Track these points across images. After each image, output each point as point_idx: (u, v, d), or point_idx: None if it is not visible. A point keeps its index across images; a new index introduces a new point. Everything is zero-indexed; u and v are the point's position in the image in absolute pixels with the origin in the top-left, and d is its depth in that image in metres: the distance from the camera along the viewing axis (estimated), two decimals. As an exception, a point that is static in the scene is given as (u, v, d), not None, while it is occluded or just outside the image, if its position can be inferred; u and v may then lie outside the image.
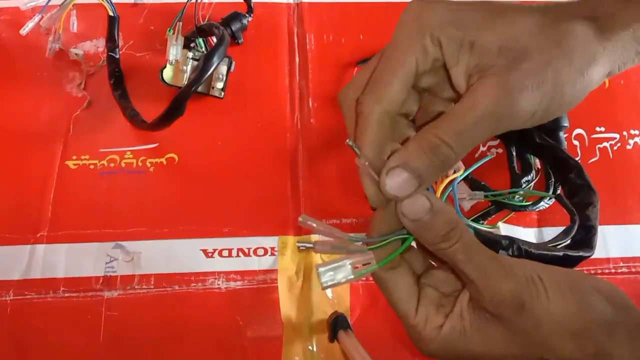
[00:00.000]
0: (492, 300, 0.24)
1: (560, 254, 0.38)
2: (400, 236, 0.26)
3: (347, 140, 0.26)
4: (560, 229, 0.44)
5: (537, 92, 0.23)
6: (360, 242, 0.27)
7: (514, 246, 0.36)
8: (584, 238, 0.40)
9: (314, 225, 0.27)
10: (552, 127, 0.48)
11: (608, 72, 0.25)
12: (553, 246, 0.41)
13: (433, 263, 0.29)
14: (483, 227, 0.44)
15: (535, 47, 0.23)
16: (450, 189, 0.39)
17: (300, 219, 0.27)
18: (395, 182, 0.24)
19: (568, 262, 0.39)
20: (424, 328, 0.26)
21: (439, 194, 0.40)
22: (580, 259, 0.39)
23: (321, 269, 0.26)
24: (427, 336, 0.26)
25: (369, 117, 0.26)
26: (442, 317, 0.26)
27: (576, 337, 0.24)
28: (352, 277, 0.26)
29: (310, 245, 0.27)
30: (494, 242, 0.36)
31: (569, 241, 0.42)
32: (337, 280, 0.26)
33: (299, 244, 0.27)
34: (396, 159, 0.24)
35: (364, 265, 0.26)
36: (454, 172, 0.40)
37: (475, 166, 0.42)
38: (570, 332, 0.24)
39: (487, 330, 0.25)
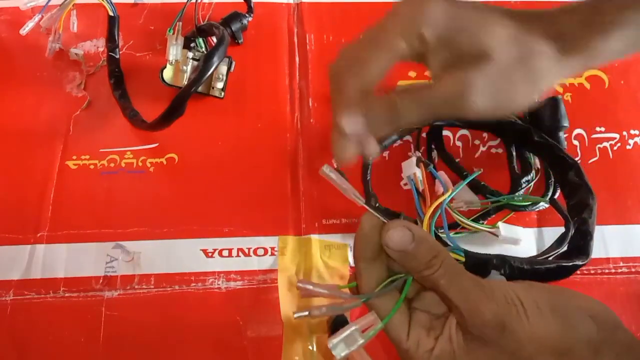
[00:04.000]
0: (474, 322, 0.25)
1: (553, 265, 0.38)
2: (390, 284, 0.28)
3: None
4: (560, 229, 0.44)
5: (490, 97, 0.27)
6: (357, 299, 0.28)
7: (505, 265, 0.36)
8: (579, 244, 0.40)
9: (312, 287, 0.28)
10: (552, 127, 0.48)
11: (556, 83, 0.27)
12: (545, 258, 0.41)
13: (425, 285, 0.30)
14: (483, 227, 0.44)
15: (499, 56, 0.27)
16: (439, 212, 0.40)
17: (299, 284, 0.29)
18: (349, 120, 0.28)
19: (562, 272, 0.38)
20: (415, 352, 0.27)
21: (428, 214, 0.40)
22: (575, 268, 0.38)
23: (332, 342, 0.27)
24: (420, 359, 0.27)
25: (347, 95, 0.28)
26: (432, 340, 0.27)
27: (561, 356, 0.24)
28: (362, 341, 0.27)
29: (306, 313, 0.28)
30: (485, 262, 0.36)
31: (565, 248, 0.41)
32: (351, 349, 0.27)
33: (296, 315, 0.28)
34: (359, 106, 0.28)
35: (370, 326, 0.27)
36: (442, 194, 0.41)
37: (461, 185, 0.42)
38: (554, 352, 0.24)
39: (475, 352, 0.25)
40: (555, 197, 0.47)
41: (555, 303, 0.25)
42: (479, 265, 0.33)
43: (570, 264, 0.38)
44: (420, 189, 0.42)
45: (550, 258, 0.41)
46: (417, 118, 0.28)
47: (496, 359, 0.25)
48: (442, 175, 0.44)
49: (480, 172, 0.44)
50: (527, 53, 0.27)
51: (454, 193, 0.41)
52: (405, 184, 0.48)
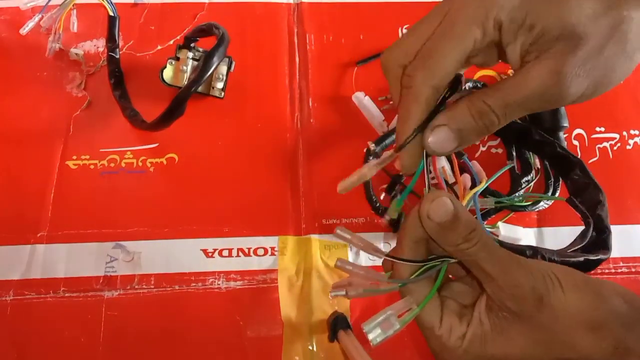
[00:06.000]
0: (513, 295, 0.25)
1: (581, 259, 0.39)
2: (428, 270, 0.27)
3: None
4: (560, 229, 0.44)
5: (587, 78, 0.24)
6: (394, 283, 0.27)
7: (537, 256, 0.37)
8: (598, 240, 0.40)
9: (350, 268, 0.27)
10: (552, 127, 0.48)
11: None
12: (572, 251, 0.41)
13: (450, 276, 0.29)
14: (483, 227, 0.44)
15: (591, 34, 0.24)
16: (472, 202, 0.40)
17: (337, 229, 0.27)
18: (438, 138, 0.25)
19: (589, 266, 0.39)
20: (448, 338, 0.26)
21: (464, 204, 0.40)
22: (599, 262, 0.39)
23: (368, 327, 0.26)
24: (452, 346, 0.26)
25: (419, 94, 0.25)
26: (465, 326, 0.27)
27: (594, 329, 0.24)
28: (399, 326, 0.26)
29: (343, 293, 0.27)
30: (518, 253, 0.37)
31: (583, 244, 0.42)
32: (387, 335, 0.26)
33: (332, 294, 0.27)
34: (443, 118, 0.25)
35: (406, 311, 0.26)
36: (475, 186, 0.41)
37: (494, 177, 0.42)
38: (588, 325, 0.24)
39: (508, 330, 0.25)
40: (556, 195, 0.47)
41: (589, 280, 0.26)
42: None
43: (596, 258, 0.39)
44: (450, 181, 0.43)
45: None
46: (509, 120, 0.25)
47: (529, 336, 0.25)
48: (475, 165, 0.43)
49: (512, 165, 0.44)
50: (618, 21, 0.24)
51: (489, 182, 0.41)
52: (432, 178, 0.48)
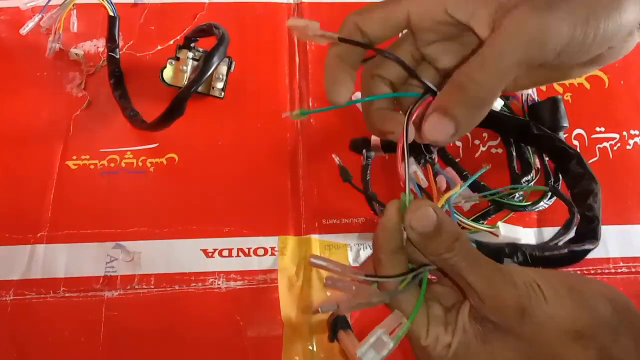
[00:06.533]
0: (494, 307, 0.24)
1: (565, 251, 0.37)
2: (414, 275, 0.26)
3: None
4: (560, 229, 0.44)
5: (569, 15, 0.22)
6: (385, 295, 0.27)
7: (518, 253, 0.36)
8: (587, 229, 0.40)
9: (324, 264, 0.26)
10: (552, 127, 0.48)
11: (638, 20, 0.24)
12: (555, 244, 0.41)
13: (431, 278, 0.29)
14: (483, 227, 0.44)
15: None
16: (447, 206, 0.40)
17: (311, 259, 0.27)
18: (433, 127, 0.24)
19: (574, 257, 0.38)
20: (434, 349, 0.26)
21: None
22: (585, 253, 0.38)
23: (361, 351, 0.25)
24: (437, 355, 0.26)
25: (344, 25, 0.27)
26: (450, 336, 0.26)
27: (578, 338, 0.24)
28: (393, 344, 0.25)
29: (335, 307, 0.27)
30: (497, 251, 0.36)
31: (572, 234, 0.41)
32: (382, 355, 0.25)
33: (324, 309, 0.27)
34: (432, 105, 0.24)
35: (397, 327, 0.26)
36: (447, 190, 0.41)
37: (470, 181, 0.42)
38: (571, 334, 0.24)
39: (491, 341, 0.25)
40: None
41: (572, 285, 0.25)
42: (492, 254, 0.33)
43: (581, 248, 0.38)
44: (424, 185, 0.43)
45: (560, 244, 0.41)
46: (496, 84, 0.23)
47: (514, 346, 0.24)
48: (450, 171, 0.43)
49: (488, 167, 0.44)
50: None
51: (463, 187, 0.41)
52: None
